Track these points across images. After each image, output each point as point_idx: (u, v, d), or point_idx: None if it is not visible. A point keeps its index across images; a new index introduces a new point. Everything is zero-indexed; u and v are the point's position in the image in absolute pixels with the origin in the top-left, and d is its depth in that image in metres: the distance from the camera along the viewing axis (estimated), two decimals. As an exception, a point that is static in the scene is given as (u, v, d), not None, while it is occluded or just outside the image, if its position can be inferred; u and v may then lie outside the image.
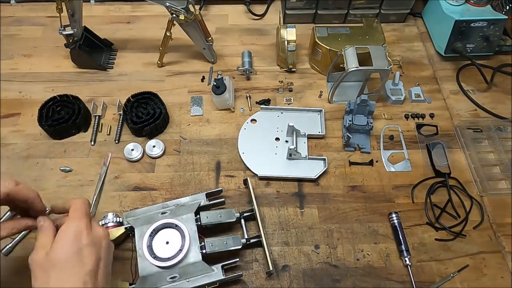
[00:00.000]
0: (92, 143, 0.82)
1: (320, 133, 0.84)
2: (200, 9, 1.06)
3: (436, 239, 0.72)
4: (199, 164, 0.80)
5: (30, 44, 0.98)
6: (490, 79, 0.94)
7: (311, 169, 0.78)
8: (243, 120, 0.86)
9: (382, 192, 0.77)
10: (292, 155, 0.79)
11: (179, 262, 0.63)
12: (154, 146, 0.81)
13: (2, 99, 0.88)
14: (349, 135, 0.80)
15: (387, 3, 1.01)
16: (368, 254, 0.70)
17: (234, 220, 0.69)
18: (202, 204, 0.69)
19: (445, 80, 0.95)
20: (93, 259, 0.48)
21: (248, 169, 0.79)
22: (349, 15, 1.04)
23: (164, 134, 0.84)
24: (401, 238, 0.70)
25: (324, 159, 0.79)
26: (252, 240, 0.68)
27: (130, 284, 0.62)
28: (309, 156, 0.80)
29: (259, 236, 0.68)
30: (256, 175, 0.78)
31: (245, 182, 0.75)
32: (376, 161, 0.81)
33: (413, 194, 0.77)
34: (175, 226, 0.65)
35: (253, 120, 0.86)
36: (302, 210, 0.75)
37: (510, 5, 0.91)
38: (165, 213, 0.67)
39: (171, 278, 0.62)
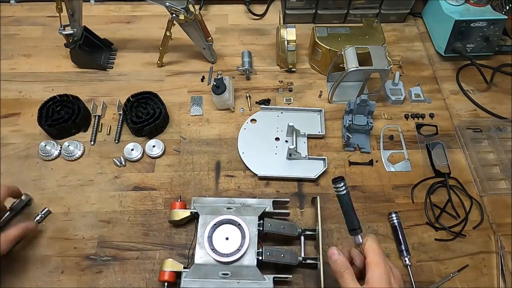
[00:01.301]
0: (92, 143, 0.82)
1: (320, 133, 0.84)
2: (200, 9, 1.06)
3: (436, 239, 0.72)
4: (199, 164, 0.80)
5: (30, 44, 0.98)
6: (490, 79, 0.94)
7: (311, 169, 0.78)
8: (243, 120, 0.86)
9: (382, 192, 0.77)
10: (292, 155, 0.79)
11: (235, 261, 0.64)
12: (154, 146, 0.81)
13: (2, 99, 0.88)
14: (349, 135, 0.80)
15: (387, 3, 1.01)
16: (368, 254, 0.70)
17: (295, 235, 0.68)
18: (267, 210, 0.69)
19: (445, 80, 0.95)
20: None
21: (248, 169, 0.79)
22: (349, 15, 1.03)
23: (164, 134, 0.84)
24: (400, 238, 0.70)
25: (324, 159, 0.79)
26: (308, 261, 0.67)
27: (184, 268, 0.64)
28: (309, 156, 0.80)
29: (316, 259, 0.66)
30: (256, 175, 0.78)
31: (313, 200, 0.73)
32: (376, 161, 0.81)
33: (413, 194, 0.77)
34: (238, 225, 0.66)
35: (253, 120, 0.86)
36: (302, 210, 0.75)
37: (510, 5, 0.91)
38: (230, 209, 0.68)
39: (223, 274, 0.63)
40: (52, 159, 0.79)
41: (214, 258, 0.64)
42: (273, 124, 0.85)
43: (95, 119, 0.85)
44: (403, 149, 0.83)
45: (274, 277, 0.64)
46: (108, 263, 0.68)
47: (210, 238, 0.65)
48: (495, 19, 0.89)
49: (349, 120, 0.81)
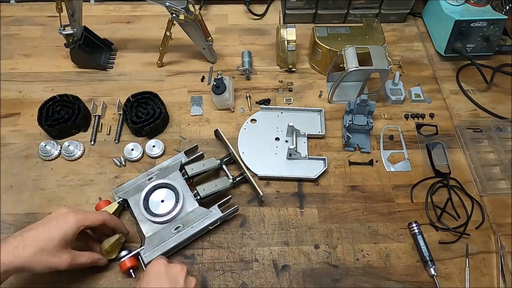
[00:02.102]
0: (92, 143, 0.82)
1: (320, 133, 0.84)
2: (200, 9, 1.06)
3: (440, 242, 0.72)
4: (199, 164, 0.80)
5: (30, 44, 0.98)
6: (490, 79, 0.94)
7: (311, 169, 0.78)
8: (243, 120, 0.86)
9: (382, 192, 0.78)
10: (292, 155, 0.79)
11: (179, 213, 0.69)
12: (154, 146, 0.81)
13: (2, 99, 0.88)
14: (349, 135, 0.80)
15: (387, 3, 1.01)
16: (368, 254, 0.70)
17: (217, 165, 0.75)
18: (183, 162, 0.74)
19: (445, 80, 0.95)
20: None
21: (248, 169, 0.79)
22: (349, 15, 1.03)
23: (164, 134, 0.84)
24: (423, 248, 0.69)
25: (324, 159, 0.79)
26: (237, 178, 0.74)
27: (140, 247, 0.66)
28: (309, 156, 0.80)
29: (242, 173, 0.75)
30: (256, 175, 0.78)
31: (216, 133, 0.78)
32: (376, 161, 0.81)
33: (412, 194, 0.77)
34: (166, 185, 0.71)
35: (253, 120, 0.86)
36: (302, 210, 0.75)
37: (510, 5, 0.91)
38: (151, 178, 0.72)
39: (175, 229, 0.68)
40: (52, 159, 0.79)
41: (159, 222, 0.68)
42: (273, 124, 0.85)
43: (95, 119, 0.85)
44: (403, 149, 0.83)
45: (218, 205, 0.70)
46: (108, 263, 0.68)
47: (147, 209, 0.69)
48: (495, 19, 0.89)
49: (349, 120, 0.81)
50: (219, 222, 0.70)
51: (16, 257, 0.52)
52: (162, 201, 0.70)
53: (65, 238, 0.56)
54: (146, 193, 0.70)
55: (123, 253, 0.66)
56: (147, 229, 0.68)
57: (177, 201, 0.69)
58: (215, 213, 0.69)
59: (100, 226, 0.63)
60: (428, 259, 0.68)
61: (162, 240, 0.66)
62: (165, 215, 0.68)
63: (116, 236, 0.65)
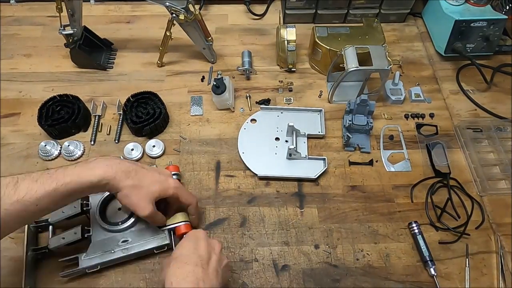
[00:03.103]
0: (92, 143, 0.82)
1: (320, 133, 0.84)
2: (200, 9, 1.06)
3: (440, 242, 0.72)
4: (199, 164, 0.80)
5: (30, 44, 0.98)
6: (490, 79, 0.94)
7: (311, 169, 0.78)
8: (243, 120, 0.86)
9: (382, 192, 0.78)
10: (292, 155, 0.79)
11: (130, 227, 0.67)
12: (154, 146, 0.81)
13: (2, 99, 0.88)
14: (349, 135, 0.80)
15: (387, 3, 1.01)
16: (368, 254, 0.71)
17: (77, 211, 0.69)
18: None
19: (445, 80, 0.95)
20: (204, 259, 0.55)
21: (248, 169, 0.79)
22: (349, 15, 1.03)
23: (164, 134, 0.84)
24: (423, 248, 0.69)
25: (324, 159, 0.79)
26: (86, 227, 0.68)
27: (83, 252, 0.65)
28: (309, 156, 0.80)
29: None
30: (256, 175, 0.78)
31: None
32: (376, 161, 0.81)
33: (412, 193, 0.77)
34: None
35: (253, 120, 0.86)
36: (302, 210, 0.75)
37: (510, 5, 0.91)
38: None
39: (122, 242, 0.66)
40: (52, 159, 0.79)
41: (108, 230, 0.67)
42: (273, 124, 0.85)
43: (95, 119, 0.85)
44: (403, 149, 0.83)
45: (168, 230, 0.68)
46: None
47: (102, 213, 0.68)
48: (495, 19, 0.89)
49: (349, 120, 0.81)
50: (166, 248, 0.67)
51: (125, 181, 0.58)
52: (119, 209, 0.69)
53: (158, 195, 0.61)
54: (106, 197, 0.69)
55: (181, 219, 0.68)
56: (95, 233, 0.66)
57: (132, 215, 0.68)
58: (164, 237, 0.67)
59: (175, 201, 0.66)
60: (428, 259, 0.68)
61: (106, 249, 0.65)
62: (115, 225, 0.67)
63: (182, 217, 0.68)
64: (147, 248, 0.66)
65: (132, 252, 0.66)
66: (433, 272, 0.68)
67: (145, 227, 0.68)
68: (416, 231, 0.71)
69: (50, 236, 0.67)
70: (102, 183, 0.56)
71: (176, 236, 0.68)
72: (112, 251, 0.65)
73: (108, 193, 0.68)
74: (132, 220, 0.67)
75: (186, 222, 0.68)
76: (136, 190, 0.59)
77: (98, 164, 0.57)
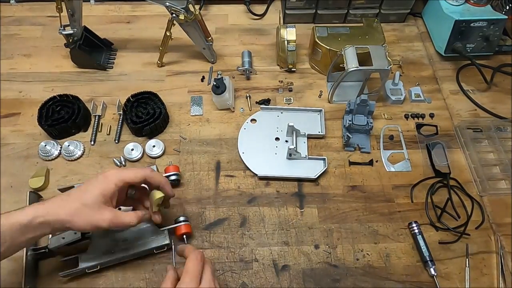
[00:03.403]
0: (92, 143, 0.82)
1: (320, 133, 0.84)
2: (200, 9, 1.06)
3: (440, 242, 0.72)
4: (199, 164, 0.80)
5: (30, 44, 0.98)
6: (490, 79, 0.94)
7: (311, 169, 0.78)
8: (243, 120, 0.86)
9: (382, 192, 0.78)
10: (292, 155, 0.79)
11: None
12: (154, 146, 0.81)
13: (2, 99, 0.88)
14: (349, 135, 0.80)
15: (387, 3, 1.01)
16: (368, 254, 0.71)
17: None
18: None
19: (445, 80, 0.95)
20: None
21: (248, 169, 0.79)
22: (349, 15, 1.03)
23: (164, 134, 0.84)
24: (423, 248, 0.69)
25: (324, 159, 0.79)
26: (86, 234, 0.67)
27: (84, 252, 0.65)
28: (309, 156, 0.80)
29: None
30: (256, 175, 0.78)
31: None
32: (376, 161, 0.81)
33: (412, 193, 0.77)
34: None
35: (253, 120, 0.86)
36: (302, 210, 0.75)
37: (510, 5, 0.91)
38: None
39: (123, 241, 0.66)
40: (52, 159, 0.79)
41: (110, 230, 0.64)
42: (273, 124, 0.85)
43: (95, 119, 0.85)
44: (403, 149, 0.83)
45: (168, 229, 0.67)
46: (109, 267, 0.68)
47: None
48: (495, 19, 0.89)
49: (349, 120, 0.81)
50: (165, 249, 0.67)
51: (61, 209, 0.54)
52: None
53: (104, 194, 0.56)
54: None
55: (181, 218, 0.68)
56: (95, 233, 0.66)
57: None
58: (164, 237, 0.67)
59: (145, 187, 0.63)
60: (428, 259, 0.68)
61: (106, 249, 0.65)
62: None
63: (158, 195, 0.61)
64: (147, 248, 0.66)
65: (132, 252, 0.66)
66: (433, 272, 0.68)
67: (145, 227, 0.68)
68: (416, 231, 0.71)
69: (50, 236, 0.67)
70: (37, 222, 0.52)
71: (176, 235, 0.68)
72: (112, 251, 0.65)
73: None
74: None
75: (186, 222, 0.68)
76: (81, 208, 0.54)
77: (32, 205, 0.54)
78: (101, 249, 0.65)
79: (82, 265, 0.64)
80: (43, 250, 0.66)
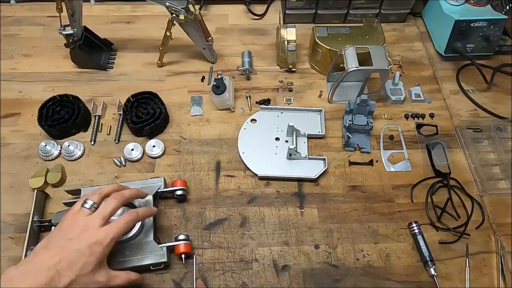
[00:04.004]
0: (92, 143, 0.82)
1: (320, 133, 0.84)
2: (200, 9, 1.06)
3: (440, 242, 0.72)
4: (199, 164, 0.80)
5: (30, 44, 0.98)
6: (490, 79, 0.94)
7: (311, 169, 0.78)
8: (243, 120, 0.86)
9: (382, 192, 0.78)
10: (292, 155, 0.79)
11: (131, 238, 0.65)
12: (154, 146, 0.81)
13: (2, 99, 0.88)
14: (349, 135, 0.80)
15: (387, 3, 1.01)
16: (368, 254, 0.71)
17: None
18: (160, 189, 0.71)
19: (445, 80, 0.95)
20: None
21: (248, 169, 0.79)
22: (349, 15, 1.03)
23: (164, 134, 0.84)
24: (423, 248, 0.69)
25: (324, 159, 0.79)
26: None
27: None
28: (309, 156, 0.80)
29: None
30: (256, 175, 0.78)
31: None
32: (376, 161, 0.81)
33: (412, 194, 0.77)
34: (131, 205, 0.67)
35: (253, 120, 0.86)
36: (302, 210, 0.75)
37: (510, 5, 0.91)
38: None
39: (120, 253, 0.64)
40: (52, 159, 0.79)
41: None
42: (273, 124, 0.85)
43: (95, 119, 0.85)
44: (403, 149, 0.83)
45: (168, 247, 0.66)
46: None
47: None
48: (495, 19, 0.89)
49: (349, 120, 0.81)
50: (162, 266, 0.65)
51: (58, 283, 0.51)
52: None
53: (101, 261, 0.55)
54: None
55: (181, 237, 0.67)
56: None
57: (132, 227, 0.64)
58: (162, 255, 0.65)
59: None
60: (428, 259, 0.68)
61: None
62: None
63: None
64: (143, 263, 0.64)
65: (128, 265, 0.64)
66: (433, 272, 0.68)
67: (144, 241, 0.66)
68: (416, 231, 0.71)
69: (55, 213, 0.67)
70: None
71: (175, 254, 0.67)
72: (109, 263, 0.60)
73: None
74: (133, 232, 0.65)
75: (187, 242, 0.67)
76: (75, 283, 0.52)
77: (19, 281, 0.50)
78: None
79: None
80: (47, 223, 0.68)
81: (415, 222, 0.72)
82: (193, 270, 0.66)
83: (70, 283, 0.51)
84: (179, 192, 0.72)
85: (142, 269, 0.65)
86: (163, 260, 0.65)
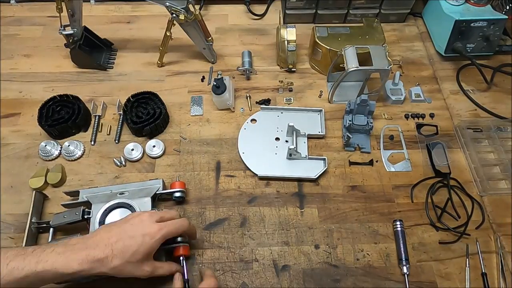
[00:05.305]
0: (92, 143, 0.82)
1: (320, 133, 0.84)
2: (200, 9, 1.06)
3: (440, 242, 0.72)
4: (199, 164, 0.80)
5: (30, 44, 0.98)
6: (490, 79, 0.94)
7: (311, 169, 0.78)
8: (243, 120, 0.86)
9: (382, 192, 0.78)
10: (292, 155, 0.79)
11: None
12: (154, 146, 0.81)
13: (2, 99, 0.88)
14: (349, 135, 0.80)
15: (387, 3, 1.01)
16: (368, 254, 0.71)
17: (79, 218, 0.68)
18: (159, 191, 0.71)
19: (445, 80, 0.95)
20: None
21: (248, 169, 0.79)
22: (349, 15, 1.03)
23: (164, 134, 0.84)
24: (402, 247, 0.70)
25: (324, 159, 0.79)
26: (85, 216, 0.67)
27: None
28: (309, 156, 0.80)
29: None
30: (256, 175, 0.78)
31: None
32: (376, 161, 0.81)
33: (412, 194, 0.77)
34: (129, 207, 0.67)
35: (253, 120, 0.86)
36: (302, 210, 0.75)
37: (510, 5, 0.91)
38: (123, 193, 0.70)
39: None
40: (52, 159, 0.79)
41: None
42: (273, 124, 0.85)
43: (95, 119, 0.85)
44: (403, 149, 0.83)
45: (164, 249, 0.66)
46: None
47: (102, 223, 0.65)
48: (495, 19, 0.89)
49: (349, 120, 0.81)
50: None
51: (105, 265, 0.54)
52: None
53: (149, 253, 0.58)
54: (107, 208, 0.66)
55: (179, 239, 0.66)
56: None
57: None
58: (161, 257, 0.65)
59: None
60: (403, 258, 0.69)
61: None
62: None
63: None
64: None
65: None
66: (405, 271, 0.68)
67: None
68: (399, 229, 0.71)
69: (49, 239, 0.67)
70: (82, 274, 0.54)
71: (174, 256, 0.66)
72: None
73: (111, 203, 0.67)
74: None
75: (185, 244, 0.66)
76: (123, 267, 0.56)
77: (75, 255, 0.53)
78: None
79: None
80: (45, 225, 0.67)
81: (400, 220, 0.72)
82: (184, 271, 0.65)
83: (119, 266, 0.55)
84: (177, 194, 0.72)
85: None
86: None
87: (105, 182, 0.77)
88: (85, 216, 0.67)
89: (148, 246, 0.57)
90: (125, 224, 0.59)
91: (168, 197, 0.74)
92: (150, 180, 0.74)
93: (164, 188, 0.73)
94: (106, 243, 0.56)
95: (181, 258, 0.65)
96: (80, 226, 0.68)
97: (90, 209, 0.68)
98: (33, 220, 0.68)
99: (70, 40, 0.88)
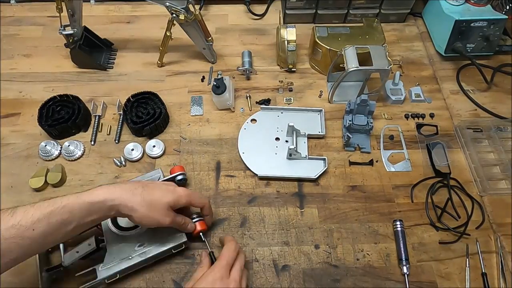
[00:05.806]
0: (92, 143, 0.82)
1: (320, 133, 0.84)
2: (200, 9, 1.06)
3: (440, 242, 0.72)
4: (199, 164, 0.80)
5: (30, 44, 0.98)
6: (490, 79, 0.94)
7: (311, 169, 0.78)
8: (243, 120, 0.86)
9: (382, 192, 0.77)
10: (292, 155, 0.79)
11: (145, 230, 0.67)
12: (154, 146, 0.81)
13: (2, 99, 0.88)
14: (349, 135, 0.80)
15: (387, 3, 1.01)
16: (368, 254, 0.71)
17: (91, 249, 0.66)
18: (160, 180, 0.72)
19: (445, 80, 0.95)
20: None
21: (248, 169, 0.79)
22: (349, 15, 1.03)
23: (164, 134, 0.84)
24: (401, 246, 0.70)
25: (324, 159, 0.79)
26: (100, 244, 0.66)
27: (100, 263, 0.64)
28: (309, 156, 0.80)
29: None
30: (256, 175, 0.78)
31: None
32: (376, 161, 0.81)
33: (412, 193, 0.77)
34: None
35: (253, 120, 0.86)
36: (302, 210, 0.75)
37: (510, 5, 0.91)
38: None
39: (139, 246, 0.66)
40: (53, 159, 0.79)
41: (124, 236, 0.66)
42: (273, 124, 0.85)
43: (95, 119, 0.85)
44: (403, 149, 0.83)
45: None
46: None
47: (113, 220, 0.67)
48: (495, 19, 0.89)
49: (349, 120, 0.81)
50: (183, 247, 0.67)
51: (131, 201, 0.57)
52: None
53: (172, 205, 0.61)
54: None
55: (194, 216, 0.68)
56: (110, 242, 0.65)
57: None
58: (180, 236, 0.66)
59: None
60: (403, 258, 0.69)
61: (123, 256, 0.64)
62: (129, 229, 0.66)
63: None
64: (165, 249, 0.65)
65: (150, 255, 0.64)
66: (405, 271, 0.68)
67: (161, 229, 0.65)
68: (399, 229, 0.71)
69: (62, 253, 0.64)
70: (108, 204, 0.55)
71: (193, 234, 0.67)
72: (130, 257, 0.64)
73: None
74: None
75: (200, 219, 0.68)
76: (150, 205, 0.59)
77: (100, 188, 0.56)
78: (118, 257, 0.64)
79: (101, 275, 0.62)
80: (58, 269, 0.64)
81: (400, 220, 0.72)
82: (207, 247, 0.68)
83: (145, 199, 0.59)
84: (179, 177, 0.73)
85: (165, 255, 0.67)
86: (183, 241, 0.66)
87: (105, 182, 0.77)
88: (100, 245, 0.65)
89: (174, 200, 0.61)
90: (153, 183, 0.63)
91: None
92: (148, 172, 0.75)
93: (164, 176, 0.74)
94: (134, 182, 0.61)
95: (200, 233, 0.67)
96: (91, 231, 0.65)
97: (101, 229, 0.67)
98: (43, 274, 0.64)
99: (70, 40, 0.88)
